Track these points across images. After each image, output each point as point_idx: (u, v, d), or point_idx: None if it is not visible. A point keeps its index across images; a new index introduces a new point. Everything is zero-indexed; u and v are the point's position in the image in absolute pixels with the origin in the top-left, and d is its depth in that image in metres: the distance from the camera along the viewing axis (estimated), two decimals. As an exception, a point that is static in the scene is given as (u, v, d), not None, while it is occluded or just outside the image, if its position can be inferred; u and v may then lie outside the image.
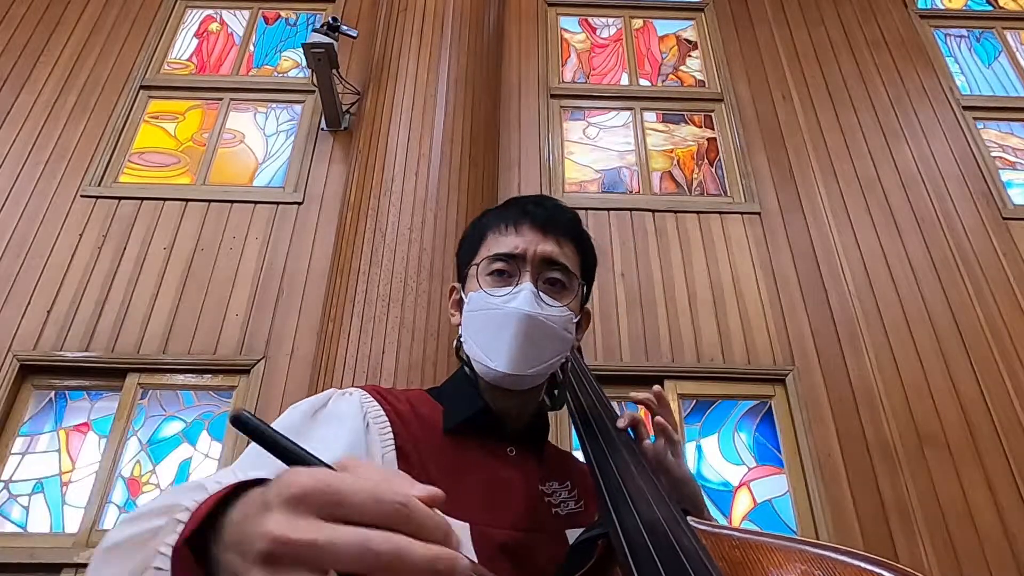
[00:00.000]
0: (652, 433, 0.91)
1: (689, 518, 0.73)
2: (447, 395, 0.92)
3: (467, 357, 0.91)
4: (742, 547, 0.68)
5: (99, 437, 3.04)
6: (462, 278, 0.94)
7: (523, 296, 0.84)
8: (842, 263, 3.57)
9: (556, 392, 0.97)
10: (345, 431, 0.77)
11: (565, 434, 2.86)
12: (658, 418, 0.88)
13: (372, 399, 0.84)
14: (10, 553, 2.73)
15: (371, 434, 0.79)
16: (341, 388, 0.87)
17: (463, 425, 0.87)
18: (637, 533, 0.69)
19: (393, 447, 0.80)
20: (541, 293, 0.86)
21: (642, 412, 0.95)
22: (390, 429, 0.81)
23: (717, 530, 0.72)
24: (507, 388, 0.87)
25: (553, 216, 0.91)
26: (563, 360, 0.90)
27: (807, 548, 0.66)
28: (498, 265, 0.88)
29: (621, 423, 0.88)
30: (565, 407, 0.96)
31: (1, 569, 2.72)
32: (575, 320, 0.90)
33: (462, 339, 0.91)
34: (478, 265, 0.90)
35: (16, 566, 2.71)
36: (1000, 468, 2.98)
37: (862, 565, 0.62)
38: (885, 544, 2.81)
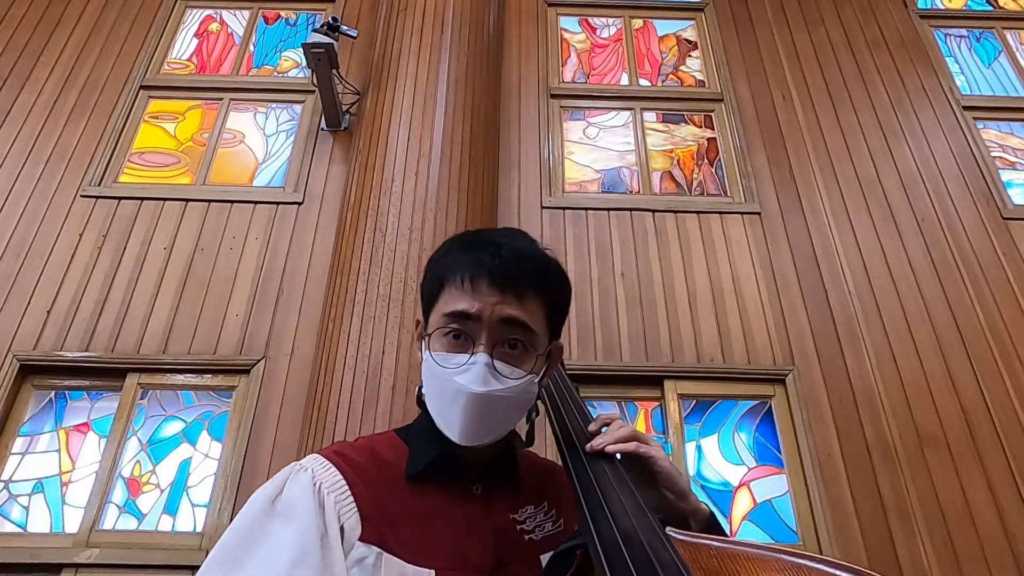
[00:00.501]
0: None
1: (668, 529, 0.73)
2: (413, 437, 0.92)
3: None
4: (720, 557, 0.69)
5: (99, 437, 3.04)
6: (426, 313, 0.91)
7: (475, 372, 0.82)
8: (842, 263, 3.57)
9: (529, 427, 0.97)
10: (292, 532, 0.77)
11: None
12: (612, 447, 0.85)
13: (330, 466, 0.84)
14: (10, 553, 2.73)
15: (328, 508, 0.80)
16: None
17: (426, 470, 0.87)
18: (614, 544, 0.69)
19: (355, 511, 0.81)
20: (497, 363, 0.83)
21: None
22: (349, 494, 0.82)
23: (695, 540, 0.72)
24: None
25: (513, 269, 0.85)
26: (525, 413, 0.89)
27: (784, 557, 0.67)
28: (454, 327, 0.84)
29: (589, 449, 0.86)
30: (545, 419, 0.97)
31: (1, 569, 2.72)
32: (536, 380, 0.87)
33: (423, 392, 0.90)
34: (430, 334, 0.87)
35: (16, 566, 2.71)
36: (1000, 468, 2.98)
37: (838, 573, 0.63)
38: (885, 544, 2.81)
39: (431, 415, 0.88)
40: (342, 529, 0.80)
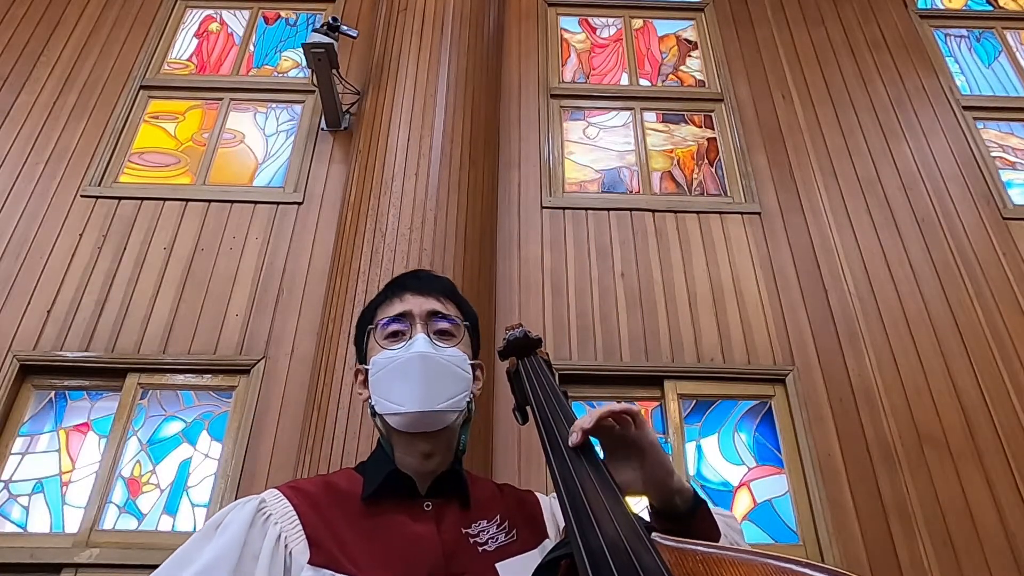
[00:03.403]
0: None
1: (654, 534, 0.74)
2: (367, 468, 1.00)
3: (381, 423, 0.99)
4: (706, 562, 0.70)
5: (99, 437, 3.04)
6: (363, 357, 1.05)
7: (419, 342, 0.98)
8: (842, 263, 3.57)
9: (517, 410, 1.09)
10: (219, 543, 0.85)
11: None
12: (590, 422, 0.86)
13: (282, 498, 0.93)
14: (10, 553, 2.73)
15: (269, 535, 0.87)
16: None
17: (379, 492, 0.94)
18: (600, 552, 0.70)
19: (303, 538, 0.88)
20: (434, 338, 0.99)
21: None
22: (298, 523, 0.90)
23: (681, 545, 0.73)
24: (422, 432, 0.95)
25: (430, 282, 1.06)
26: (467, 399, 0.99)
27: (770, 561, 0.68)
28: (392, 327, 1.01)
29: (573, 439, 0.87)
30: (534, 426, 0.98)
31: (1, 569, 2.72)
32: (470, 362, 1.02)
33: (373, 403, 0.99)
34: (374, 329, 1.02)
35: (16, 566, 2.71)
36: (1000, 468, 2.98)
37: None
38: (885, 544, 2.81)
39: (385, 417, 0.97)
40: (290, 555, 0.87)
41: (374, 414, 1.00)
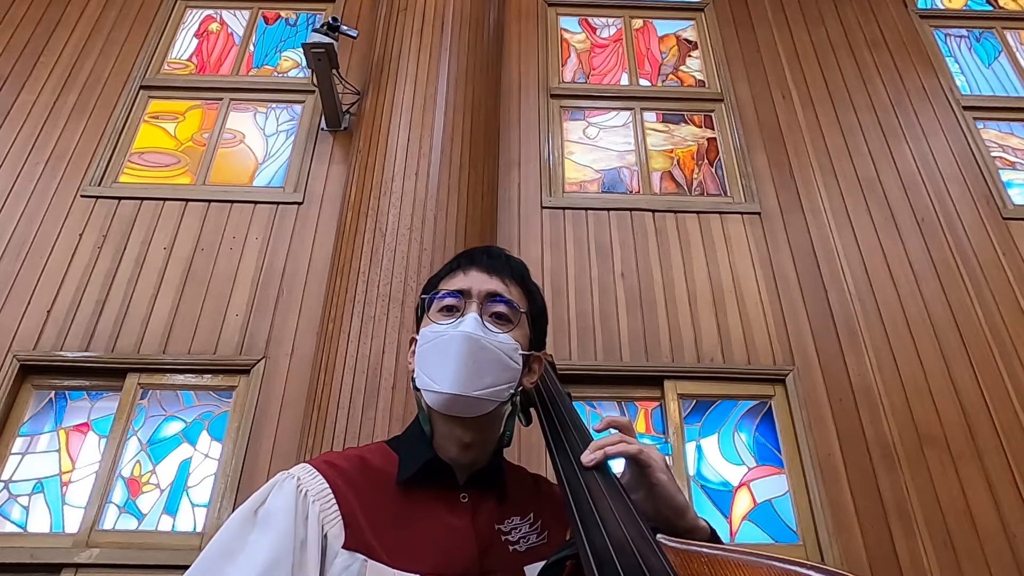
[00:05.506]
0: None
1: (659, 536, 0.74)
2: (403, 446, 0.96)
3: (422, 397, 0.94)
4: (710, 563, 0.70)
5: (99, 437, 3.04)
6: (419, 326, 1.00)
7: (467, 321, 0.91)
8: (842, 263, 3.57)
9: (521, 411, 1.02)
10: (269, 540, 0.80)
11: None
12: (613, 448, 0.85)
13: (317, 474, 0.88)
14: (10, 553, 2.73)
15: (311, 517, 0.83)
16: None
17: (416, 476, 0.90)
18: (605, 552, 0.70)
19: (339, 519, 0.84)
20: (485, 320, 0.93)
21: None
22: (334, 502, 0.85)
23: (686, 547, 0.74)
24: (458, 416, 0.90)
25: (500, 263, 0.99)
26: (512, 391, 0.92)
27: (774, 563, 0.68)
28: (447, 301, 0.95)
29: (587, 460, 0.86)
30: (539, 427, 0.98)
31: (1, 569, 2.72)
32: (520, 352, 0.94)
33: (414, 376, 0.94)
34: (428, 300, 0.97)
35: (16, 566, 2.71)
36: (1000, 468, 2.98)
37: None
38: (885, 544, 2.81)
39: (423, 392, 0.92)
40: (325, 537, 0.83)
41: (416, 387, 0.95)
